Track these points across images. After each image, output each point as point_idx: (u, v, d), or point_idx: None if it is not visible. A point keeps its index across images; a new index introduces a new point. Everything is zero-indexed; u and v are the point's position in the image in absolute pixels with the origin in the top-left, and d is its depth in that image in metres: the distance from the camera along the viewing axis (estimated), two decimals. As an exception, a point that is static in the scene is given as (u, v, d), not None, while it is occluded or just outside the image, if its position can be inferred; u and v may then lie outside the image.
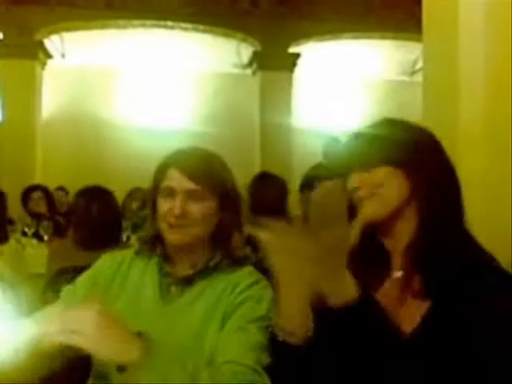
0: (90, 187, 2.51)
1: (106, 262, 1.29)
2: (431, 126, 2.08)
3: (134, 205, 4.69)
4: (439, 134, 2.03)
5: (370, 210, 0.99)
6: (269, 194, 2.69)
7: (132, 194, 4.79)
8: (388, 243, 1.04)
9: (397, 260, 1.03)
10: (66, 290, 1.28)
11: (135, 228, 3.97)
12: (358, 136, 1.06)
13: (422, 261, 0.98)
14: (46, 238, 3.67)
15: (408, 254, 1.00)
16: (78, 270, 1.52)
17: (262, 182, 2.79)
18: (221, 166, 1.26)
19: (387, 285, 1.02)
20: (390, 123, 1.06)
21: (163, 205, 1.21)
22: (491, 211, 1.80)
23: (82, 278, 1.29)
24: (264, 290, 1.18)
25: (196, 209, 1.19)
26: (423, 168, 0.99)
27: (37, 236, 3.77)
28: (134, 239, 3.82)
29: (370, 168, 1.00)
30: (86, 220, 2.38)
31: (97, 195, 2.45)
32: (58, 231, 3.74)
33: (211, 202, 1.20)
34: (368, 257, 1.02)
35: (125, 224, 3.68)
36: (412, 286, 0.98)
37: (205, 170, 1.21)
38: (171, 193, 1.20)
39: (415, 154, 1.00)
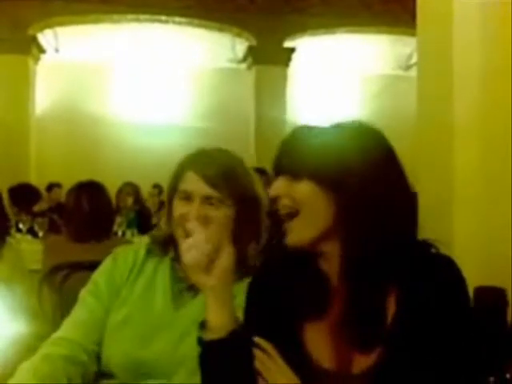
0: (81, 182, 2.52)
1: (119, 261, 1.23)
2: (426, 121, 2.09)
3: (129, 200, 4.66)
4: (434, 127, 2.04)
5: (295, 234, 0.92)
6: None
7: (123, 189, 4.71)
8: (323, 266, 0.96)
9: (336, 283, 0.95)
10: (87, 294, 1.20)
11: (130, 224, 3.97)
12: (295, 138, 0.96)
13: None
14: (40, 234, 3.65)
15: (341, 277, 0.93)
16: (74, 266, 1.52)
17: None
18: (242, 172, 1.18)
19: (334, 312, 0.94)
20: (338, 134, 0.96)
21: (178, 208, 1.14)
22: (487, 203, 1.80)
23: (101, 280, 1.21)
24: None
25: (213, 215, 1.11)
26: (347, 190, 0.90)
27: (32, 232, 3.76)
28: (129, 234, 3.82)
29: (294, 178, 0.92)
30: (77, 213, 2.39)
31: (88, 189, 2.46)
32: (53, 227, 3.73)
33: (228, 209, 1.13)
34: (311, 283, 0.95)
35: (119, 220, 3.68)
36: None
37: (225, 176, 1.13)
38: (188, 196, 1.13)
39: (340, 173, 0.90)
